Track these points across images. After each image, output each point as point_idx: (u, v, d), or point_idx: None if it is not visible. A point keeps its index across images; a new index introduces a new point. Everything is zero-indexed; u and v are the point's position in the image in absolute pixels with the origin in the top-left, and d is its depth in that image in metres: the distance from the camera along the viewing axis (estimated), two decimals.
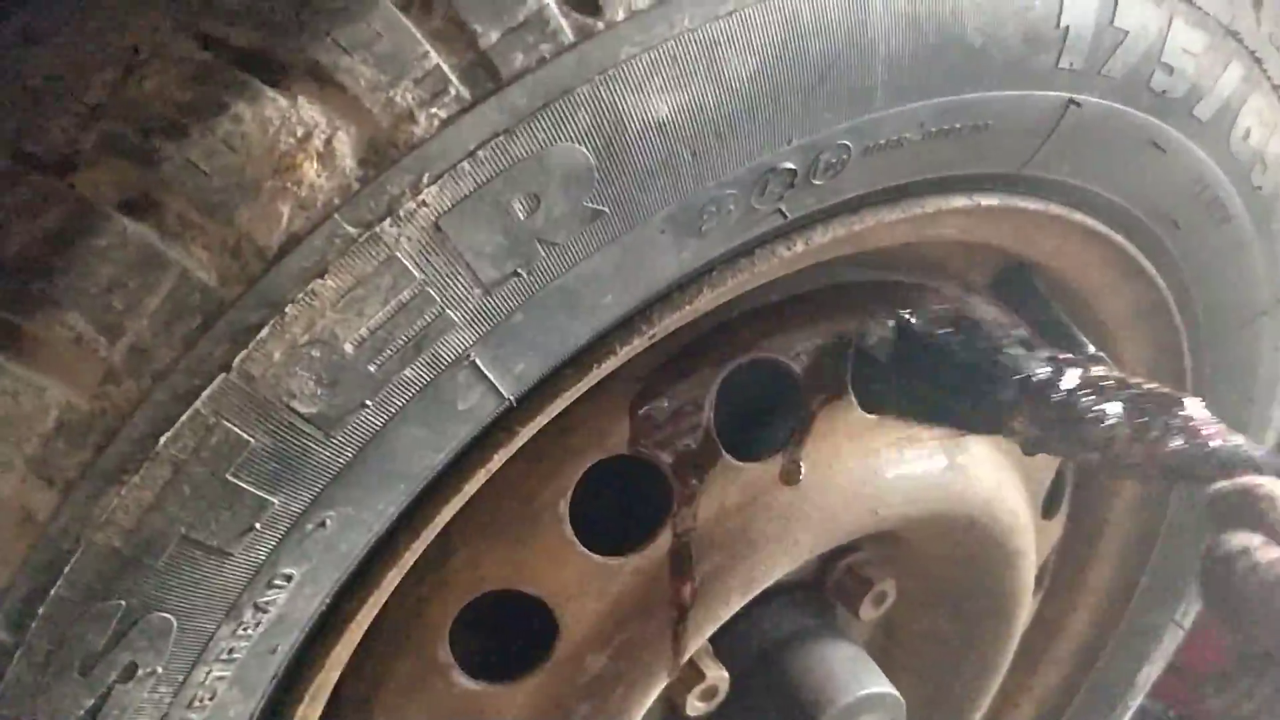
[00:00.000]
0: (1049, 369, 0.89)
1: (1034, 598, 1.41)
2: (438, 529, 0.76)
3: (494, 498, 0.86)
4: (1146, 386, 0.86)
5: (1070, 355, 0.92)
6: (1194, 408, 0.83)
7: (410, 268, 0.61)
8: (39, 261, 0.56)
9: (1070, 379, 0.87)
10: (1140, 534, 1.44)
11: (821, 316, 0.96)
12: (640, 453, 0.89)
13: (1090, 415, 0.84)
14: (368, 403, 0.64)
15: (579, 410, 0.87)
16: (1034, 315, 1.14)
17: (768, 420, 0.98)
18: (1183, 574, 1.51)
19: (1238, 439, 0.81)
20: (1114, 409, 0.84)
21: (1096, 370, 0.89)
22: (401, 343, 0.63)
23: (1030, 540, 1.21)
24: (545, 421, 0.76)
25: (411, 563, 0.79)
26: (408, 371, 0.64)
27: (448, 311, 0.64)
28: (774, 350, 0.94)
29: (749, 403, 0.97)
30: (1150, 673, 1.61)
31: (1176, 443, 0.81)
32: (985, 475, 1.10)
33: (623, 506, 0.95)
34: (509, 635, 0.95)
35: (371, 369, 0.63)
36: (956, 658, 1.32)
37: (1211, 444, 0.80)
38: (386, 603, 0.86)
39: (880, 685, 1.12)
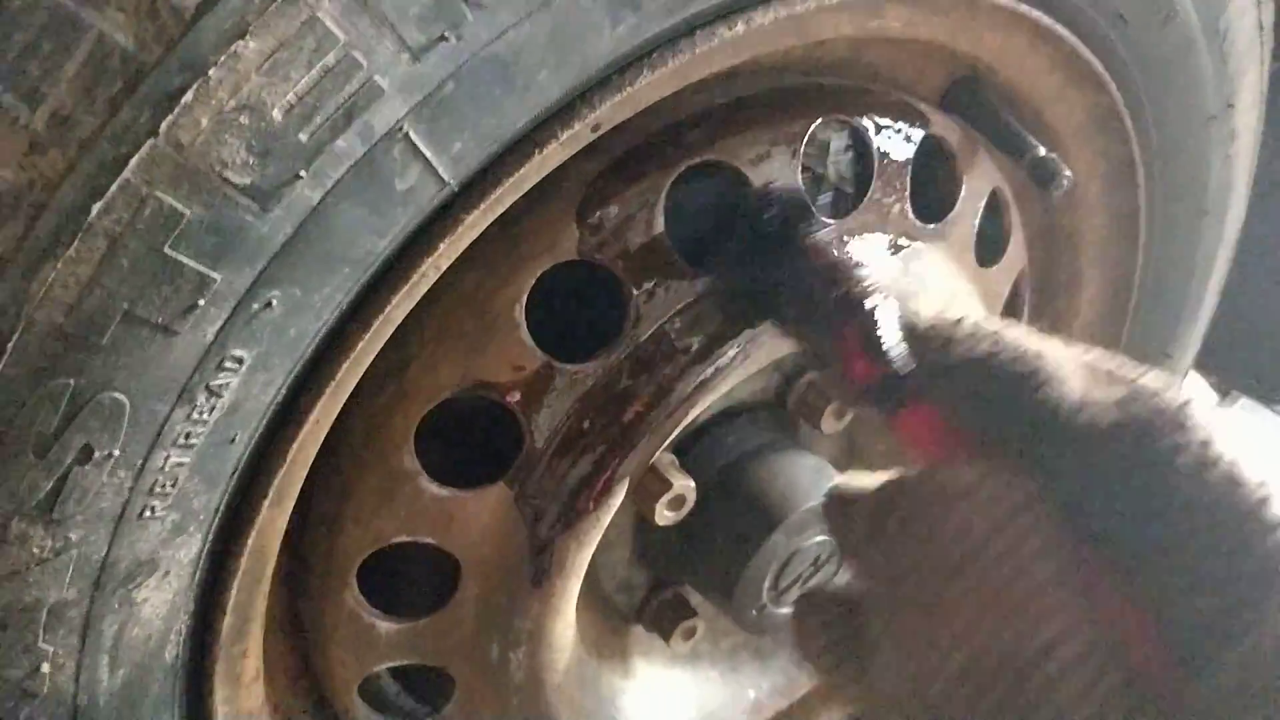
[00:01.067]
0: None
1: None
2: (390, 322, 0.77)
3: (449, 305, 0.87)
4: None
5: None
6: None
7: (333, 29, 0.60)
8: None
9: None
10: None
11: (769, 120, 0.96)
12: (592, 259, 0.89)
13: None
14: (302, 174, 0.64)
15: (528, 217, 0.87)
16: (986, 126, 1.14)
17: (720, 230, 0.98)
18: None
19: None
20: None
21: None
22: (331, 110, 0.63)
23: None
24: (492, 213, 0.76)
25: (367, 359, 0.79)
26: (340, 142, 0.64)
27: (375, 78, 0.63)
28: (724, 154, 0.94)
29: (701, 212, 0.97)
30: None
31: None
32: (939, 283, 1.11)
33: (585, 320, 0.96)
34: (477, 444, 0.97)
35: (302, 137, 0.62)
36: None
37: None
38: (349, 415, 0.88)
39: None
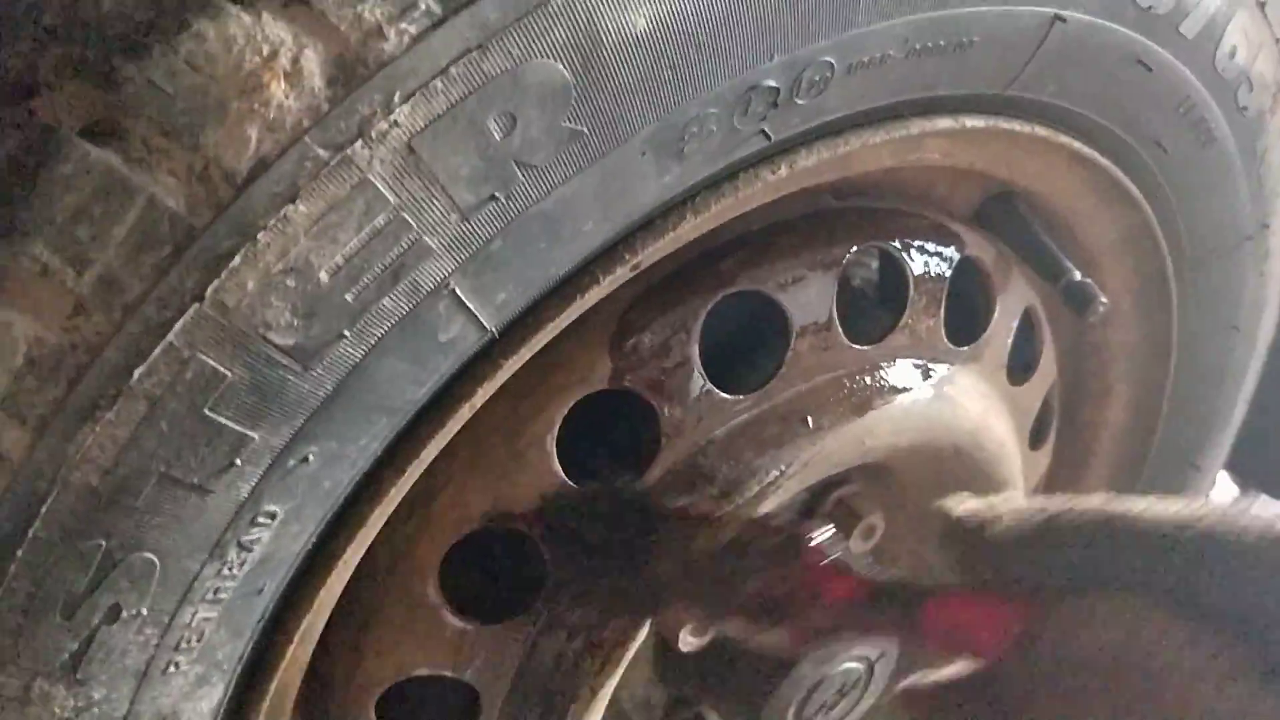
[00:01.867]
0: None
1: None
2: (423, 465, 0.75)
3: (479, 435, 0.86)
4: None
5: None
6: None
7: (384, 191, 0.59)
8: (0, 191, 0.55)
9: None
10: (1125, 464, 1.44)
11: (805, 246, 0.95)
12: (625, 387, 0.88)
13: None
14: (346, 333, 0.62)
15: (562, 345, 0.86)
16: (1020, 244, 1.13)
17: (754, 353, 0.97)
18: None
19: None
20: None
21: None
22: (378, 270, 0.61)
23: (1018, 471, 1.21)
24: (529, 354, 0.75)
25: (397, 500, 0.78)
26: (386, 301, 0.63)
27: (424, 238, 0.62)
28: (758, 281, 0.93)
29: (735, 335, 0.96)
30: None
31: None
32: (971, 405, 1.09)
33: (613, 444, 0.95)
34: (501, 576, 0.95)
35: (348, 298, 0.61)
36: None
37: None
38: (374, 542, 0.86)
39: None
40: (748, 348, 0.98)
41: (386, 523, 0.84)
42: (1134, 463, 1.44)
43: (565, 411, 0.86)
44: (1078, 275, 1.10)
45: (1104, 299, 1.08)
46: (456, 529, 0.87)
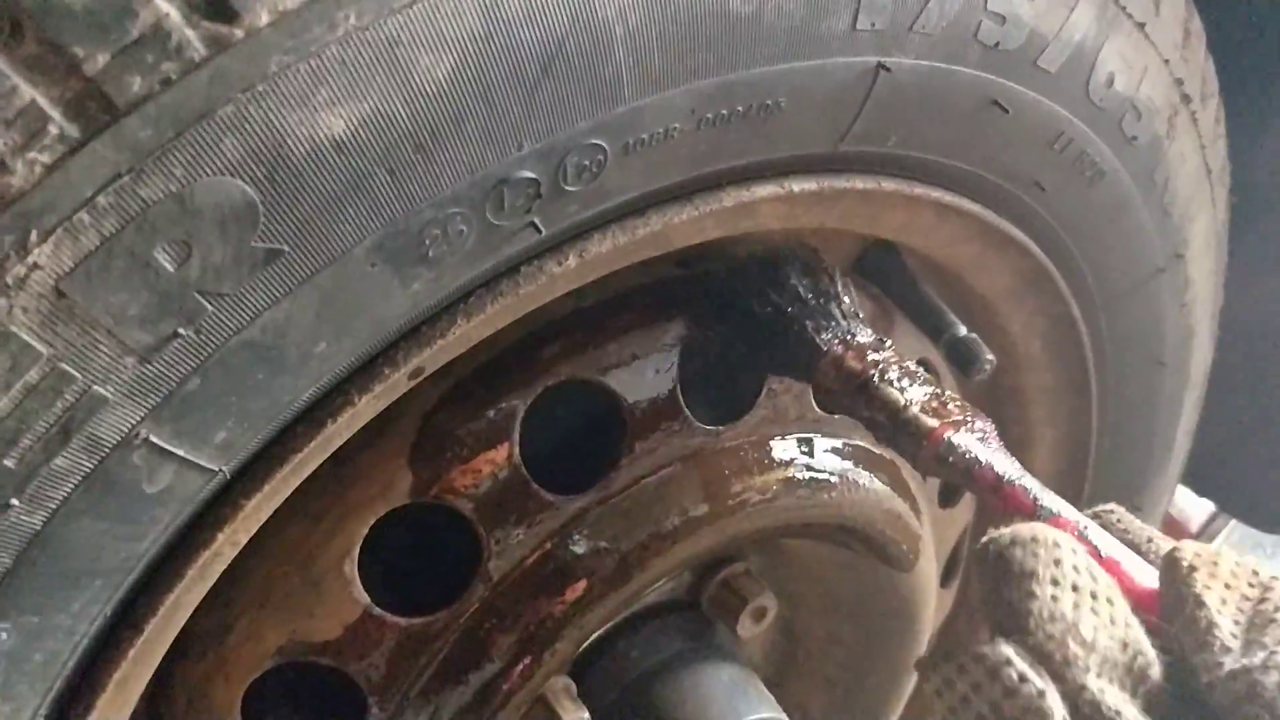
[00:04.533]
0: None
1: (948, 587, 1.32)
2: (168, 621, 0.67)
3: (268, 564, 0.78)
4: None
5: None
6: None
7: (32, 343, 0.51)
8: None
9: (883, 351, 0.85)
10: None
11: (639, 324, 0.87)
12: (433, 501, 0.80)
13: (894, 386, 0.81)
14: (14, 501, 0.54)
15: (358, 458, 0.78)
16: (902, 298, 1.05)
17: (588, 443, 0.89)
18: None
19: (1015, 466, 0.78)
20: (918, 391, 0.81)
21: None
22: (42, 430, 0.54)
23: (922, 535, 1.12)
24: (282, 490, 0.67)
25: (157, 653, 0.70)
26: (60, 461, 0.55)
27: (95, 388, 0.54)
28: (587, 368, 0.85)
29: (563, 423, 0.88)
30: None
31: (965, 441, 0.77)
32: (858, 477, 1.01)
33: (440, 558, 0.87)
34: (320, 705, 0.87)
35: (8, 464, 0.53)
36: (862, 661, 1.23)
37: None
38: (170, 684, 0.78)
39: (763, 710, 1.04)
40: (584, 436, 0.90)
41: (180, 659, 0.77)
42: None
43: (364, 532, 0.78)
44: (962, 331, 1.01)
45: (990, 357, 1.00)
46: (253, 666, 0.79)
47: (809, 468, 0.96)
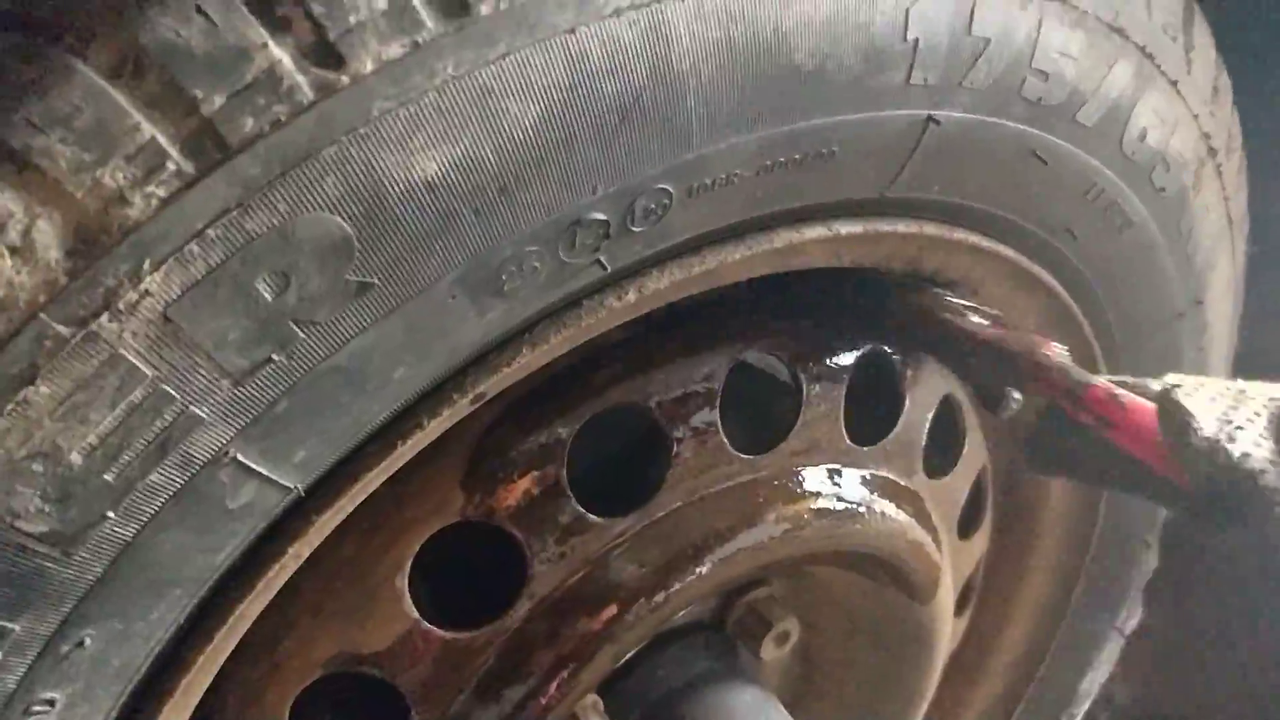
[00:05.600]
0: None
1: (961, 616, 1.35)
2: (234, 630, 0.70)
3: (326, 574, 0.80)
4: None
5: None
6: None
7: (139, 365, 0.54)
8: None
9: None
10: (1072, 543, 1.38)
11: (684, 355, 0.90)
12: (484, 519, 0.83)
13: None
14: (110, 514, 0.57)
15: (414, 477, 0.81)
16: (923, 335, 1.08)
17: (633, 465, 0.92)
18: (1121, 580, 1.46)
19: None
20: None
21: None
22: (141, 446, 0.56)
23: (942, 566, 1.15)
24: (349, 507, 0.70)
25: (218, 661, 0.73)
26: (154, 476, 0.58)
27: (192, 408, 0.57)
28: (634, 394, 0.87)
29: (610, 446, 0.91)
30: (1094, 681, 1.55)
31: None
32: (883, 508, 1.04)
33: (487, 575, 0.89)
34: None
35: (108, 478, 0.56)
36: (879, 685, 1.26)
37: None
38: (221, 688, 0.81)
39: None
40: (628, 460, 0.92)
41: (233, 665, 0.80)
42: (1080, 542, 1.38)
43: (416, 548, 0.81)
44: None
45: (1018, 396, 1.03)
46: (304, 676, 0.81)
47: (839, 498, 0.99)
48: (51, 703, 0.62)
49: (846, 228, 0.83)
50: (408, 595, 0.82)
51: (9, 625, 0.57)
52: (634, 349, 0.88)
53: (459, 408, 0.72)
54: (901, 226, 0.88)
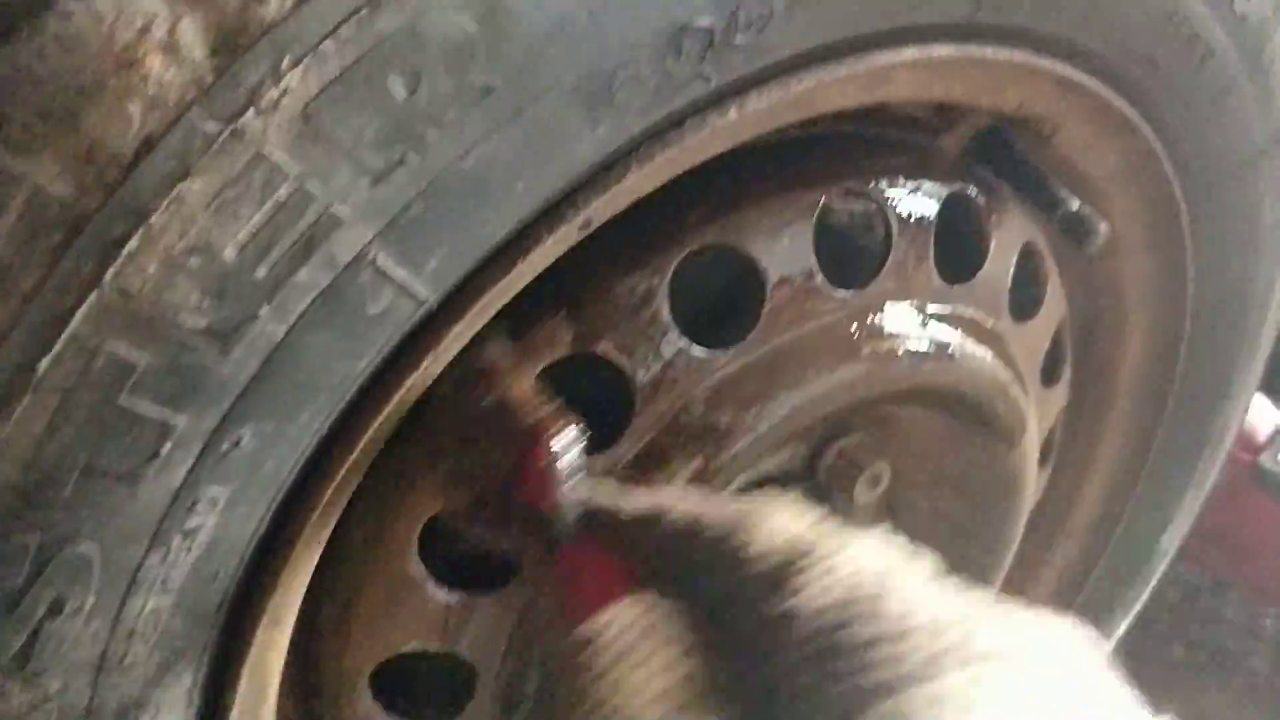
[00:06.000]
0: None
1: (1043, 470, 1.37)
2: (375, 441, 0.74)
3: (433, 416, 0.83)
4: None
5: None
6: None
7: (282, 162, 0.57)
8: None
9: None
10: (1149, 399, 1.39)
11: (779, 190, 0.91)
12: (592, 352, 0.86)
13: None
14: (262, 311, 0.61)
15: (520, 310, 0.83)
16: (1012, 174, 1.08)
17: (731, 304, 0.94)
18: (1199, 438, 1.47)
19: None
20: None
21: None
22: (288, 244, 0.60)
23: (1028, 413, 1.16)
24: (479, 319, 0.73)
25: (357, 476, 0.76)
26: (302, 275, 0.61)
27: (334, 206, 0.60)
28: (729, 232, 0.89)
29: (708, 285, 0.93)
30: (1172, 539, 1.57)
31: None
32: (970, 349, 1.05)
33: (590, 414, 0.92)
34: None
35: (259, 274, 0.59)
36: (963, 537, 1.28)
37: None
38: (348, 521, 0.85)
39: None
40: (724, 298, 0.95)
41: (358, 500, 0.83)
42: (1158, 396, 1.38)
43: (530, 382, 0.84)
44: (1075, 204, 1.05)
45: (1105, 226, 1.03)
46: (430, 503, 0.85)
47: (929, 335, 1.01)
48: (214, 501, 0.66)
49: (940, 49, 0.84)
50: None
51: (172, 420, 0.61)
52: (729, 186, 0.90)
53: (569, 231, 0.74)
54: (990, 52, 0.88)
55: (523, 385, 0.82)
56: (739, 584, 0.63)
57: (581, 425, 0.82)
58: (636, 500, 0.72)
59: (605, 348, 0.86)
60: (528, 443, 0.77)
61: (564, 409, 0.79)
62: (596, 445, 0.89)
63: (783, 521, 0.65)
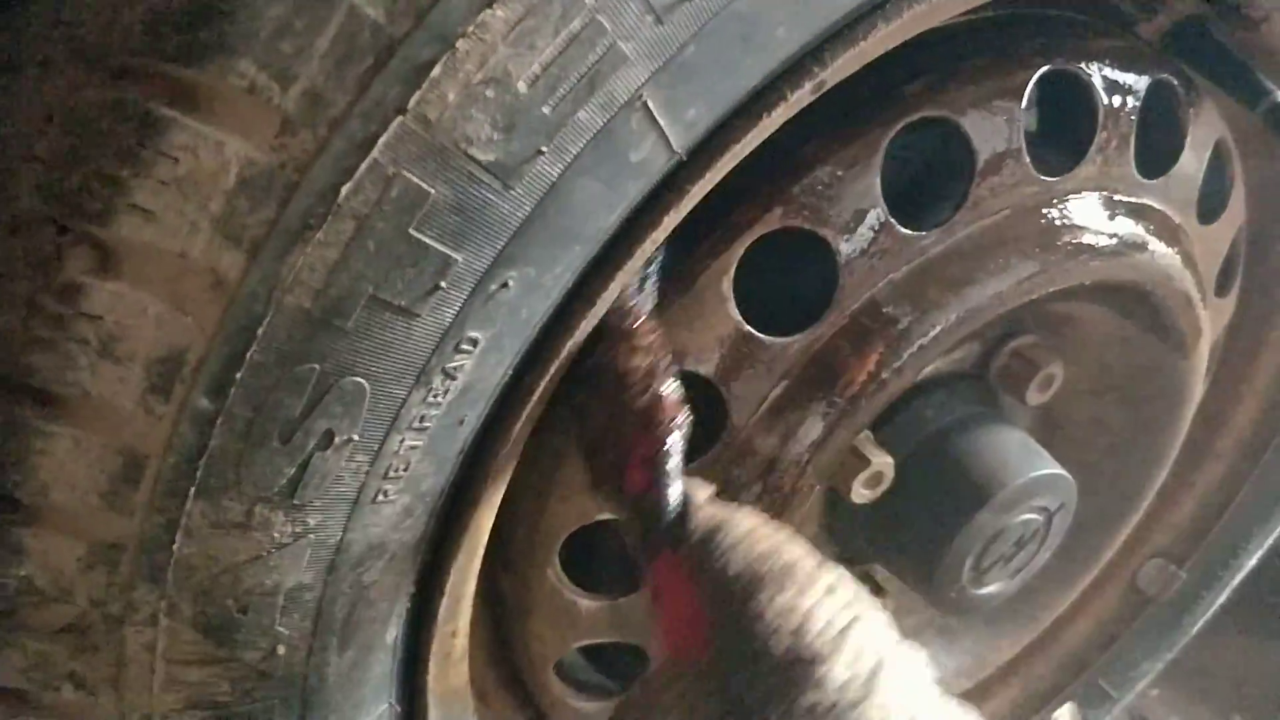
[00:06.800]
0: None
1: (1203, 383, 1.34)
2: (611, 298, 0.74)
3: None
4: None
5: None
6: None
7: None
8: (205, 8, 0.54)
9: None
10: None
11: (993, 68, 0.90)
12: (802, 227, 0.85)
13: None
14: (544, 149, 0.61)
15: (736, 184, 0.83)
16: (1210, 67, 1.05)
17: (934, 185, 0.93)
18: None
19: None
20: None
21: None
22: (575, 80, 0.60)
23: (1203, 319, 1.14)
24: (714, 179, 0.73)
25: (586, 334, 0.77)
26: (582, 114, 0.61)
27: (620, 43, 0.60)
28: (944, 107, 0.88)
29: (918, 167, 0.92)
30: None
31: None
32: (1159, 244, 1.03)
33: (792, 288, 0.92)
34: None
35: (546, 110, 0.60)
36: (1123, 448, 1.27)
37: None
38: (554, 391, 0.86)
39: (1051, 467, 1.09)
40: (928, 179, 0.93)
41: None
42: None
43: (740, 253, 0.84)
44: None
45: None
46: None
47: (1124, 228, 0.99)
48: (475, 343, 0.67)
49: None
50: (732, 299, 0.85)
51: (453, 255, 0.62)
52: (946, 61, 0.88)
53: (804, 94, 0.73)
54: None
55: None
56: (756, 660, 0.66)
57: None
58: (701, 517, 0.74)
59: (813, 222, 0.85)
60: (643, 427, 0.77)
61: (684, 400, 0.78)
62: (797, 326, 0.89)
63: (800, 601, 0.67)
